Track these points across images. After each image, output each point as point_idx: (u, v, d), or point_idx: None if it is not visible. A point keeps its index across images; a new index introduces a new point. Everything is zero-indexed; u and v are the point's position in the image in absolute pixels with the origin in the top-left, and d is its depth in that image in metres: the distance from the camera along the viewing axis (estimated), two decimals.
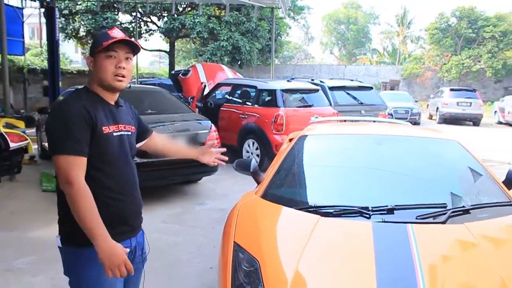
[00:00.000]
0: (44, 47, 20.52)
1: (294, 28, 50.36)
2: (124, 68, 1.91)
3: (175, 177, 6.06)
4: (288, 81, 9.32)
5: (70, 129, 1.79)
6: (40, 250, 4.25)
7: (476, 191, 2.98)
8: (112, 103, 1.98)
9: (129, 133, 2.03)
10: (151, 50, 24.95)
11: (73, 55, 36.54)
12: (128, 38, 1.91)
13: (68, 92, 7.30)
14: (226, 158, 2.42)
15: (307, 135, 3.64)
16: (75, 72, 19.21)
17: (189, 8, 20.61)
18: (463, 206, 2.62)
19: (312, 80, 10.97)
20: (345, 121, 5.97)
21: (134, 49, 1.97)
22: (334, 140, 3.69)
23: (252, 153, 8.09)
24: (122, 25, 20.65)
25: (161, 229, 4.86)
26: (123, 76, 1.92)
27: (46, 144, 7.71)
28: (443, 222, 2.44)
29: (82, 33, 20.26)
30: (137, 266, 2.09)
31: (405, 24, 41.78)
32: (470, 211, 2.58)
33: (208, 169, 6.33)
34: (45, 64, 17.14)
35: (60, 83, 11.12)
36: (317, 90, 8.82)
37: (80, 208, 1.74)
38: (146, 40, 22.14)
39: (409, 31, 42.66)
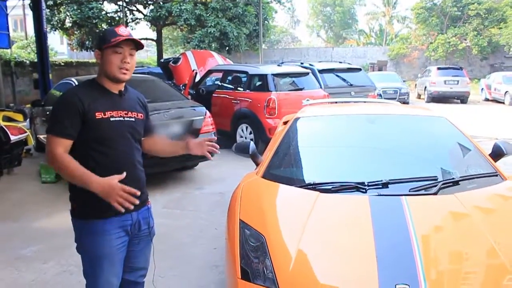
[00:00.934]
0: (30, 39, 20.33)
1: (280, 12, 50.19)
2: (128, 63, 2.14)
3: (173, 164, 6.17)
4: (278, 65, 9.43)
5: (60, 115, 2.08)
6: (46, 239, 4.38)
7: (465, 163, 3.15)
8: (116, 92, 2.21)
9: (132, 118, 2.23)
10: (138, 39, 24.77)
11: (58, 46, 36.10)
12: (133, 37, 2.15)
13: (61, 84, 7.36)
14: (218, 146, 2.50)
15: (302, 117, 3.78)
16: (63, 63, 19.09)
17: None
18: (453, 178, 2.80)
19: (302, 63, 11.06)
20: (336, 102, 6.10)
21: (138, 45, 2.19)
22: (328, 120, 3.83)
23: (246, 138, 8.22)
24: (108, 14, 20.45)
25: (163, 214, 5.00)
26: (127, 70, 2.14)
27: (41, 137, 7.77)
28: (435, 194, 2.61)
29: (68, 24, 20.04)
30: (144, 239, 2.34)
31: (391, 4, 41.85)
32: (460, 182, 2.75)
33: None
34: (32, 56, 17.00)
35: (50, 75, 11.08)
36: (307, 74, 8.94)
37: (67, 169, 2.01)
38: (132, 29, 21.96)
39: (395, 11, 42.76)
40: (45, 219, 4.99)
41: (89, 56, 31.89)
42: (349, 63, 12.01)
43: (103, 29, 3.21)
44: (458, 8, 30.57)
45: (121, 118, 2.18)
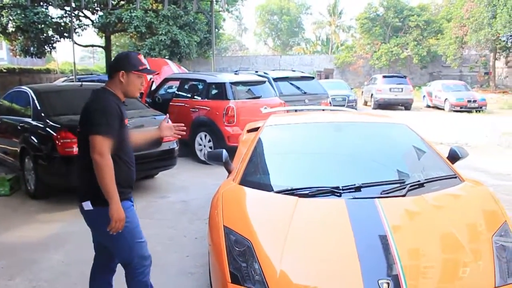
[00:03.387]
0: None
1: (228, 20, 50.47)
2: (144, 85, 2.72)
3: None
4: (235, 73, 9.55)
5: (107, 118, 2.48)
6: (8, 254, 4.23)
7: (427, 167, 3.39)
8: (122, 102, 2.69)
9: (128, 124, 2.75)
10: (85, 46, 24.09)
11: None
12: (154, 71, 2.87)
13: (14, 92, 7.06)
14: (184, 133, 3.08)
15: (272, 125, 3.92)
16: (4, 70, 18.22)
17: (124, 2, 20.15)
18: (418, 181, 3.02)
19: (256, 72, 11.27)
20: (296, 110, 6.30)
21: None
22: (297, 128, 3.99)
23: (204, 146, 8.26)
24: (54, 20, 19.75)
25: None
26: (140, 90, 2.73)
27: None
28: (404, 195, 2.83)
29: (11, 28, 19.16)
30: None
31: (336, 14, 43.21)
32: (425, 184, 2.99)
33: (167, 164, 6.45)
34: None
35: None
36: (264, 82, 9.12)
37: (105, 177, 2.41)
38: (79, 36, 21.36)
39: (340, 21, 44.22)
40: (4, 234, 4.81)
41: (31, 63, 30.57)
42: (302, 72, 12.33)
43: (128, 53, 3.27)
44: (400, 19, 32.17)
45: (128, 124, 2.70)
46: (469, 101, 18.33)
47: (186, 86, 9.20)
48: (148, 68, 2.70)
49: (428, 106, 20.93)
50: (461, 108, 18.32)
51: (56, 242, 4.51)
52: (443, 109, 19.14)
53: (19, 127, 6.17)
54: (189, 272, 3.75)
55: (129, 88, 2.61)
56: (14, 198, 6.13)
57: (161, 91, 10.15)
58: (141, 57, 2.68)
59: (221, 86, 8.36)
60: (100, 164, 2.40)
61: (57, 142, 5.41)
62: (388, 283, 2.16)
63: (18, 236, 4.75)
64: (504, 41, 24.86)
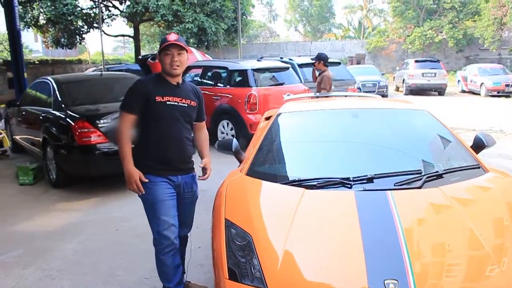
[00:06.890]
0: (2, 37, 19.73)
1: (258, 6, 50.02)
2: (177, 60, 2.78)
3: None
4: (258, 60, 9.38)
5: (127, 97, 2.83)
6: (26, 243, 4.27)
7: (447, 156, 3.16)
8: (174, 83, 2.86)
9: (185, 104, 2.87)
10: (115, 36, 24.34)
11: (32, 44, 35.39)
12: (176, 42, 2.76)
13: (37, 83, 7.16)
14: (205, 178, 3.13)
15: (284, 113, 3.75)
16: (37, 62, 18.62)
17: None
18: (437, 171, 2.80)
19: (281, 58, 11.06)
20: (317, 97, 6.10)
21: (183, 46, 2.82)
22: (311, 116, 3.80)
23: (227, 134, 8.17)
24: (83, 11, 20.02)
25: (144, 214, 4.93)
26: (177, 66, 2.79)
27: (18, 137, 7.58)
28: (419, 187, 2.61)
29: (42, 21, 19.52)
30: (187, 200, 3.05)
31: None
32: (443, 175, 2.76)
33: None
34: (5, 55, 16.54)
35: (25, 74, 10.77)
36: (287, 68, 8.92)
37: (119, 143, 2.77)
38: (108, 26, 21.58)
39: (372, 5, 43.09)
40: (24, 222, 4.87)
41: (64, 54, 31.20)
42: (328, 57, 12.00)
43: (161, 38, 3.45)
44: (434, 1, 30.96)
45: (175, 103, 2.82)
46: (507, 85, 17.55)
47: (208, 74, 9.11)
48: (170, 43, 2.74)
49: (463, 91, 20.17)
50: (498, 92, 17.56)
51: (71, 231, 4.53)
52: (479, 94, 18.40)
53: (41, 117, 6.24)
54: (200, 264, 3.67)
55: (163, 66, 2.82)
56: (37, 187, 6.22)
57: (187, 79, 10.09)
58: (169, 36, 2.80)
59: (243, 73, 8.23)
60: (116, 134, 2.77)
61: (75, 132, 5.43)
62: (395, 284, 1.99)
63: (37, 224, 4.80)
64: None
